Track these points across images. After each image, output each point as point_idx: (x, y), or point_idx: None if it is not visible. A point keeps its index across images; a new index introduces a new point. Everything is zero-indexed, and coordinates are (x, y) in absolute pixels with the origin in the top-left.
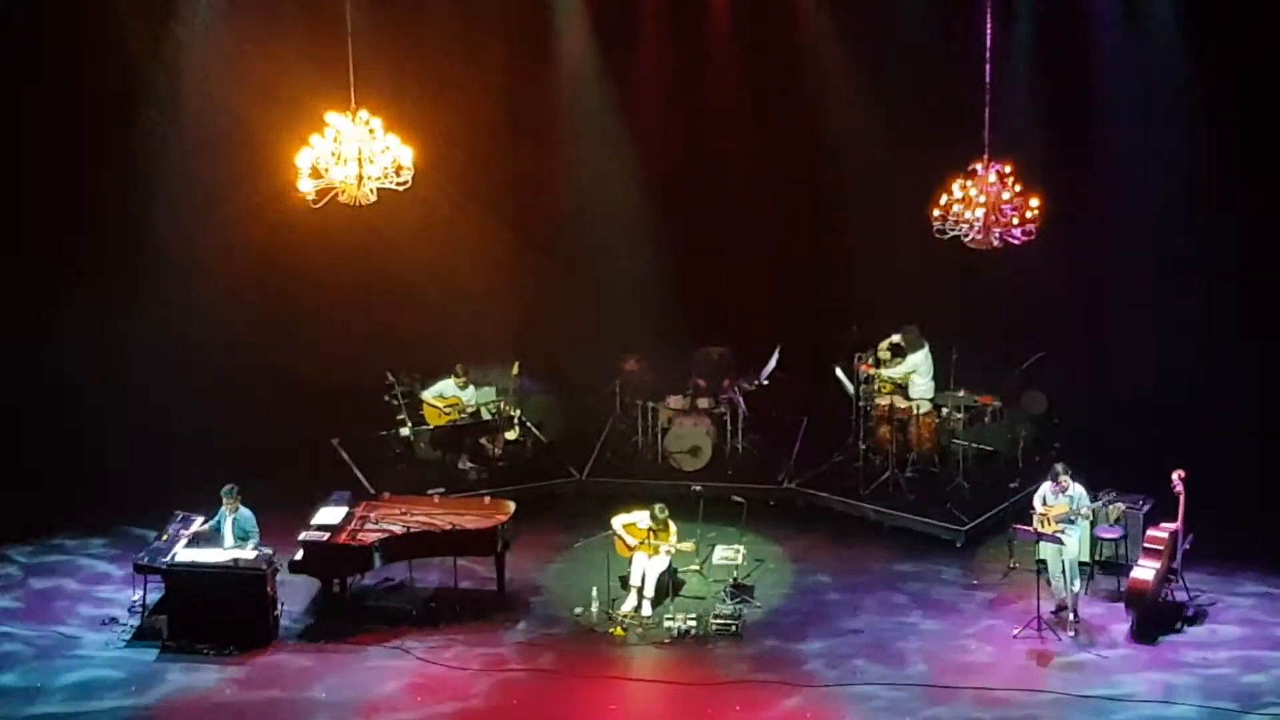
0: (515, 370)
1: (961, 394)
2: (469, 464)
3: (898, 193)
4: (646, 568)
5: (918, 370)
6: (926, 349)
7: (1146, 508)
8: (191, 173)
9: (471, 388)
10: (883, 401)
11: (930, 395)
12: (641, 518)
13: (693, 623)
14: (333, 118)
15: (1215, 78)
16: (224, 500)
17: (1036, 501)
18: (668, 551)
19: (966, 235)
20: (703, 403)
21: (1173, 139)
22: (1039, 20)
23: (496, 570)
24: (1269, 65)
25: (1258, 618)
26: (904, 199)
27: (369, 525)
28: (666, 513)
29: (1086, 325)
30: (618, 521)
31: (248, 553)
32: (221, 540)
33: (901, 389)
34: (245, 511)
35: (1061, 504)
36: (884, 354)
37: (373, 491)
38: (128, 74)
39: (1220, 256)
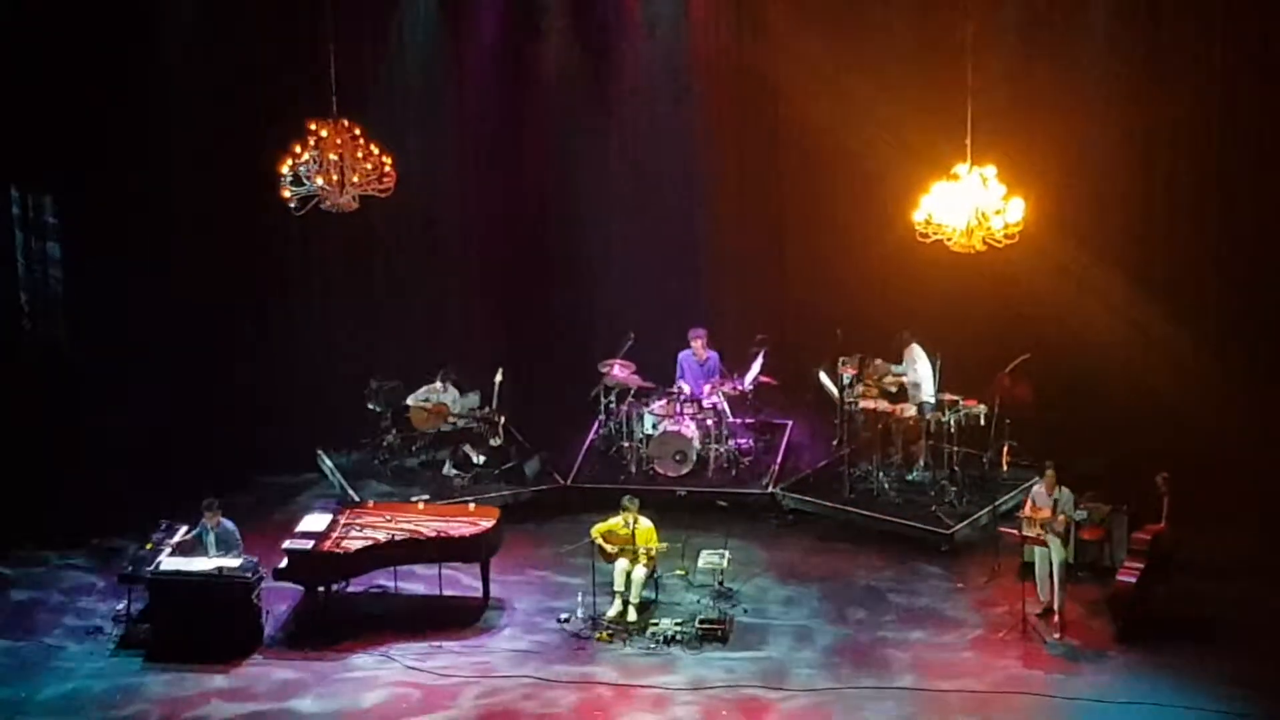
0: (499, 376)
1: (947, 397)
2: (453, 470)
3: (881, 195)
4: (630, 573)
5: (913, 370)
6: (920, 352)
7: (1131, 510)
8: (177, 178)
9: (456, 392)
10: (868, 405)
11: (933, 401)
12: (618, 522)
13: (678, 628)
14: (315, 125)
15: (1210, 76)
16: (205, 513)
17: (1025, 504)
18: (647, 554)
19: (949, 238)
20: (687, 408)
21: (1159, 138)
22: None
23: (481, 577)
24: (1267, 60)
25: (1244, 619)
26: (887, 201)
27: (353, 532)
28: (637, 503)
29: (1071, 326)
30: (596, 530)
31: (232, 561)
32: (205, 550)
33: (889, 395)
34: (227, 524)
35: (1048, 506)
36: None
37: (357, 498)
38: (116, 75)
39: (1211, 257)
